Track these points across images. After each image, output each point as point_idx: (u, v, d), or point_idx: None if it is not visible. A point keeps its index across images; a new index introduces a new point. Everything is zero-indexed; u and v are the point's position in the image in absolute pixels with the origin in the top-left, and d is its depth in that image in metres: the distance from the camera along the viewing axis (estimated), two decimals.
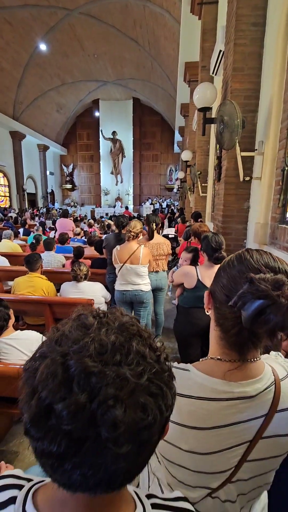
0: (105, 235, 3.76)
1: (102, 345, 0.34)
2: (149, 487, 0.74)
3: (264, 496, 0.77)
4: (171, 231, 7.75)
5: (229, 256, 0.64)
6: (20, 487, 0.42)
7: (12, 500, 0.40)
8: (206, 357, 0.68)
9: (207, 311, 0.70)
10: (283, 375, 0.65)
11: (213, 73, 5.01)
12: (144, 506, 0.42)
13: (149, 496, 0.45)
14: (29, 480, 0.44)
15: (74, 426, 0.30)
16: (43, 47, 12.41)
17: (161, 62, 12.83)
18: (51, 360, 0.33)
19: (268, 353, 0.74)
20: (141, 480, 0.80)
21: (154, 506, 0.43)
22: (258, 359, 0.63)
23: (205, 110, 3.33)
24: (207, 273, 2.01)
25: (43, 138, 17.45)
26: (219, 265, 2.20)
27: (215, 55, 4.45)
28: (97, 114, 19.30)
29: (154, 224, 3.00)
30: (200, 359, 0.69)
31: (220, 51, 4.02)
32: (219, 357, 0.63)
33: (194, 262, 2.34)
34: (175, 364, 0.67)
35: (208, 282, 1.99)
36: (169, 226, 10.05)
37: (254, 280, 0.51)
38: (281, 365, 0.69)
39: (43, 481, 0.43)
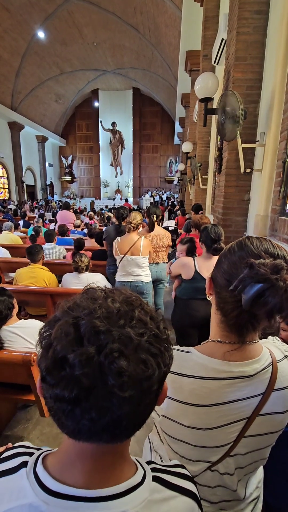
0: (105, 227, 3.77)
1: (108, 311, 0.38)
2: None
3: (260, 472, 0.82)
4: (171, 224, 7.75)
5: (230, 243, 0.67)
6: (30, 454, 0.46)
7: (24, 464, 0.43)
8: (207, 340, 0.71)
9: (208, 297, 0.72)
10: (280, 357, 0.69)
11: (215, 63, 4.93)
12: (145, 469, 0.45)
13: (149, 463, 0.48)
14: (38, 449, 0.48)
15: (84, 372, 0.34)
16: (41, 34, 12.14)
17: (161, 51, 12.58)
18: (64, 322, 0.38)
19: (266, 338, 0.78)
20: (144, 458, 0.85)
21: (153, 470, 0.47)
22: (256, 341, 0.66)
23: (206, 100, 3.29)
24: (205, 265, 2.02)
25: (41, 129, 17.23)
26: (217, 257, 2.22)
27: (217, 43, 4.38)
28: (96, 104, 19.01)
29: (154, 215, 3.01)
30: (201, 343, 0.72)
31: (222, 39, 3.96)
32: (219, 340, 0.67)
33: (190, 253, 2.33)
34: (178, 346, 0.71)
35: (205, 273, 2.00)
36: (169, 219, 10.03)
37: (254, 265, 0.54)
38: (278, 348, 0.73)
39: (51, 450, 0.47)
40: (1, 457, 0.47)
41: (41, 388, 0.39)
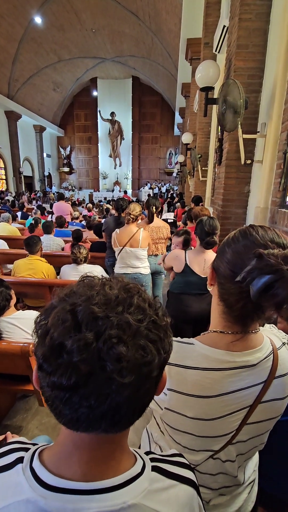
0: (105, 218, 3.74)
1: (106, 297, 0.38)
2: None
3: (256, 455, 0.84)
4: (170, 216, 7.72)
5: (232, 232, 0.65)
6: (26, 449, 0.45)
7: (20, 460, 0.43)
8: (208, 331, 0.71)
9: (209, 287, 0.71)
10: (279, 345, 0.70)
11: (216, 51, 4.82)
12: (144, 459, 0.45)
13: (147, 453, 0.49)
14: (34, 444, 0.47)
15: (83, 358, 0.33)
16: (38, 20, 11.80)
17: (162, 38, 12.28)
18: (61, 308, 0.37)
19: (263, 326, 0.78)
20: (142, 448, 0.86)
21: (152, 460, 0.47)
22: (258, 330, 0.66)
23: (207, 89, 3.23)
24: (196, 259, 1.98)
25: (39, 118, 16.93)
26: (210, 251, 2.17)
27: (218, 31, 4.27)
28: (95, 93, 18.66)
29: (154, 207, 2.98)
30: (201, 333, 0.72)
31: (224, 26, 3.85)
32: (221, 330, 0.66)
33: (186, 245, 2.27)
34: (179, 339, 0.71)
35: (196, 267, 1.97)
36: (168, 211, 9.98)
37: (263, 255, 0.52)
38: (276, 335, 0.73)
39: (47, 444, 0.46)
40: None
41: (37, 378, 0.38)
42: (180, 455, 0.51)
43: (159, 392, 0.43)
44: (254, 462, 0.82)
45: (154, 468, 0.45)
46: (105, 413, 0.35)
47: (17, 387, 1.86)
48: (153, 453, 0.50)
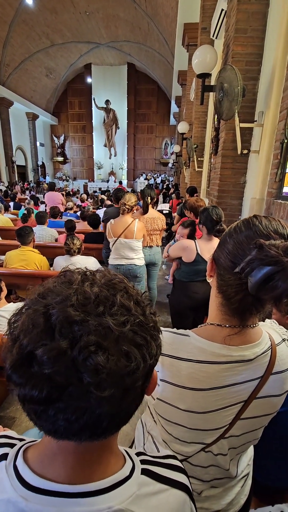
0: (106, 208, 3.67)
1: (85, 297, 0.34)
2: (144, 444, 0.78)
3: (251, 450, 0.84)
4: (165, 207, 7.67)
5: (235, 222, 0.62)
6: (12, 445, 0.43)
7: (4, 456, 0.41)
8: (205, 323, 0.69)
9: (209, 279, 0.69)
10: (278, 340, 0.68)
11: (213, 36, 4.70)
12: (134, 462, 0.43)
13: (138, 454, 0.46)
14: (21, 440, 0.45)
15: (55, 370, 0.30)
16: (29, 1, 11.32)
17: (158, 23, 11.91)
18: (33, 311, 0.33)
19: (263, 321, 0.76)
20: (137, 438, 0.85)
21: (143, 462, 0.44)
22: (257, 325, 0.64)
23: (204, 76, 3.14)
24: (206, 247, 2.01)
25: (32, 105, 16.46)
26: (218, 238, 2.18)
27: (216, 14, 4.15)
28: (89, 80, 18.15)
29: (149, 197, 2.93)
30: (198, 326, 0.70)
31: (222, 10, 3.74)
32: (219, 323, 0.64)
33: (191, 237, 2.30)
34: (175, 330, 0.69)
35: (207, 255, 2.00)
36: (164, 202, 9.92)
37: (264, 246, 0.50)
38: (276, 331, 0.72)
39: (34, 441, 0.44)
40: None
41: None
42: (174, 457, 0.49)
43: (149, 393, 0.40)
44: (248, 456, 0.81)
45: (144, 471, 0.42)
46: (84, 426, 0.33)
47: None
48: (145, 454, 0.47)
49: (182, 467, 0.48)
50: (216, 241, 2.01)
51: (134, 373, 0.33)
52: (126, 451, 0.44)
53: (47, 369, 0.30)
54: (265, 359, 0.64)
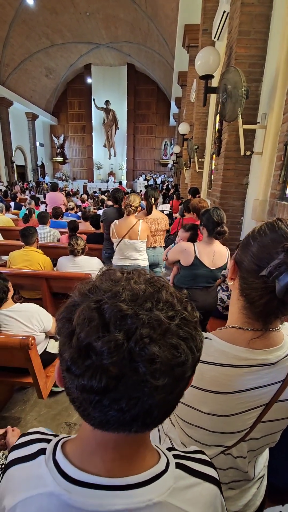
0: (104, 209, 3.68)
1: (133, 293, 0.35)
2: None
3: (266, 451, 0.84)
4: (165, 208, 7.67)
5: (258, 224, 0.63)
6: (48, 441, 0.44)
7: (42, 451, 0.42)
8: (226, 326, 0.69)
9: (229, 282, 0.68)
10: None
11: (215, 38, 4.71)
12: (167, 457, 0.44)
13: (169, 449, 0.47)
14: (55, 436, 0.46)
15: (114, 361, 0.31)
16: (30, 1, 11.32)
17: (158, 24, 11.93)
18: (86, 306, 0.35)
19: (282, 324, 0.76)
20: (151, 440, 0.85)
21: (176, 456, 0.46)
22: (279, 328, 0.64)
23: (207, 77, 3.16)
24: (205, 250, 1.95)
25: (31, 105, 16.44)
26: (219, 242, 2.16)
27: (218, 16, 4.16)
28: (89, 80, 18.15)
29: (152, 198, 2.94)
30: (217, 329, 0.70)
31: (224, 12, 3.75)
32: (241, 326, 0.64)
33: (192, 241, 2.23)
34: None
35: (205, 259, 1.95)
36: (164, 203, 9.92)
37: None
38: None
39: (68, 436, 0.45)
40: (16, 443, 0.45)
41: (62, 378, 0.37)
42: (202, 452, 0.50)
43: (187, 387, 0.41)
44: (264, 458, 0.82)
45: (178, 466, 0.44)
46: (136, 416, 0.34)
47: (15, 379, 1.84)
48: (175, 449, 0.49)
49: (211, 461, 0.49)
50: (217, 244, 1.97)
51: (184, 364, 0.35)
52: (158, 447, 0.46)
53: (105, 359, 0.31)
54: (287, 362, 0.64)
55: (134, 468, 0.39)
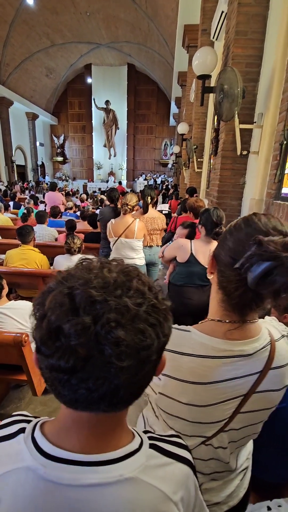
0: (100, 209, 3.70)
1: (105, 281, 0.37)
2: None
3: (250, 444, 0.85)
4: (164, 207, 7.69)
5: (235, 220, 0.64)
6: (28, 421, 0.46)
7: (22, 430, 0.44)
8: (206, 319, 0.70)
9: (209, 275, 0.70)
10: (277, 336, 0.70)
11: (214, 38, 4.73)
12: (142, 437, 0.46)
13: (145, 432, 0.49)
14: (36, 417, 0.48)
15: (80, 342, 0.33)
16: (30, 1, 11.33)
17: (158, 24, 11.94)
18: (59, 292, 0.37)
19: (263, 318, 0.78)
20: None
21: (150, 438, 0.47)
22: (256, 320, 0.66)
23: (204, 77, 3.16)
24: (202, 249, 1.96)
25: (32, 105, 16.46)
26: (214, 242, 2.17)
27: (217, 16, 4.18)
28: (89, 80, 18.17)
29: (149, 197, 2.95)
30: (199, 322, 0.71)
31: (223, 12, 3.77)
32: (219, 319, 0.66)
33: (190, 238, 2.24)
34: (176, 325, 0.70)
35: (201, 258, 1.96)
36: (163, 203, 9.94)
37: (263, 242, 0.51)
38: (276, 328, 0.73)
39: (48, 418, 0.47)
40: (0, 424, 0.48)
41: (36, 359, 0.39)
42: (178, 436, 0.52)
43: (158, 373, 0.43)
44: (247, 450, 0.83)
45: (152, 446, 0.46)
46: (103, 395, 0.36)
47: (10, 377, 1.85)
48: (151, 432, 0.50)
49: (186, 445, 0.51)
50: (214, 244, 1.97)
51: (149, 348, 0.36)
52: (134, 429, 0.47)
53: (73, 341, 0.33)
54: (264, 354, 0.65)
55: (108, 446, 0.41)
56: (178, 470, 0.45)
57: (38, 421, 0.46)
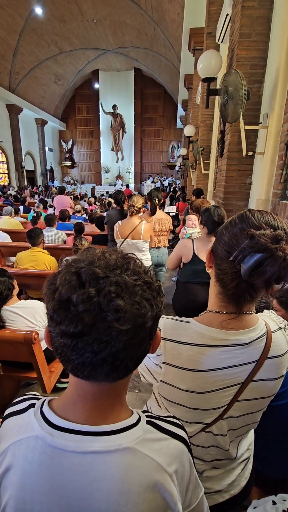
0: (107, 211, 3.75)
1: (107, 262, 0.44)
2: None
3: (251, 435, 0.87)
4: (172, 210, 7.71)
5: (231, 216, 0.68)
6: (38, 399, 0.52)
7: (32, 405, 0.50)
8: (205, 311, 0.74)
9: (208, 270, 0.74)
10: (274, 328, 0.72)
11: (219, 41, 4.75)
12: (139, 415, 0.51)
13: (144, 411, 0.53)
14: (45, 396, 0.54)
15: (86, 309, 0.39)
16: (38, 11, 11.62)
17: (164, 29, 12.05)
18: (67, 271, 0.43)
19: (262, 311, 0.80)
20: None
21: (148, 416, 0.52)
22: (252, 312, 0.69)
23: (209, 80, 3.19)
24: (203, 248, 1.98)
25: (41, 112, 16.82)
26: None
27: (221, 19, 4.21)
28: (96, 86, 18.43)
29: (156, 199, 2.98)
30: (199, 314, 0.74)
31: (227, 15, 3.79)
32: (217, 310, 0.70)
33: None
34: (177, 317, 0.74)
35: (203, 256, 1.98)
36: (171, 205, 9.96)
37: (255, 235, 0.55)
38: (273, 320, 0.76)
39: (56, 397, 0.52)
40: (13, 401, 0.54)
41: (48, 333, 0.44)
42: (174, 417, 0.55)
43: (154, 349, 0.48)
44: (248, 441, 0.85)
45: (149, 422, 0.50)
46: (106, 358, 0.41)
47: (21, 374, 1.90)
48: (149, 411, 0.54)
49: (182, 425, 0.54)
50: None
51: (144, 316, 0.42)
52: (133, 409, 0.52)
53: (80, 308, 0.39)
54: (261, 344, 0.68)
55: (109, 419, 0.46)
56: (173, 445, 0.48)
57: (46, 398, 0.51)
